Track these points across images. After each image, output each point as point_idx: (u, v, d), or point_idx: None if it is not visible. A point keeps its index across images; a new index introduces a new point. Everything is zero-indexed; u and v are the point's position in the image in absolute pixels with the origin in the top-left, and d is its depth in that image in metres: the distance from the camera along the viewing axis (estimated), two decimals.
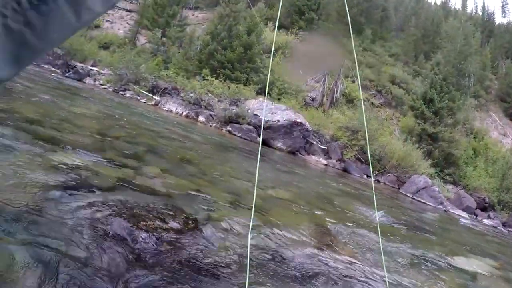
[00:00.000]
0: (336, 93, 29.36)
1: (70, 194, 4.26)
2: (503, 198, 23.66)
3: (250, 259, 4.17)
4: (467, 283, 6.22)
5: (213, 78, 23.19)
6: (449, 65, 32.01)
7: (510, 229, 19.84)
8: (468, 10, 72.03)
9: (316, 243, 5.48)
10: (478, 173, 27.41)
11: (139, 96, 21.71)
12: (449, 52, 36.89)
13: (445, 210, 18.56)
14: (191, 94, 21.75)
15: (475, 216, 20.81)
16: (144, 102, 21.05)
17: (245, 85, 24.06)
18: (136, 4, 40.54)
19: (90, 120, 10.08)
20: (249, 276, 3.73)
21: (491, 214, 22.41)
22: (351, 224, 7.36)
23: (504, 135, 38.52)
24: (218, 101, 21.42)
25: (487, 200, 23.87)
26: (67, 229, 3.46)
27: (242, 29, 25.87)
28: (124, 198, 4.66)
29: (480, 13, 70.94)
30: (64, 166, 5.12)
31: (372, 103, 33.41)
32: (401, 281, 5.13)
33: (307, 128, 20.42)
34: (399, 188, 20.88)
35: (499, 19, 71.86)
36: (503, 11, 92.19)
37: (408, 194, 19.51)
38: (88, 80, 23.85)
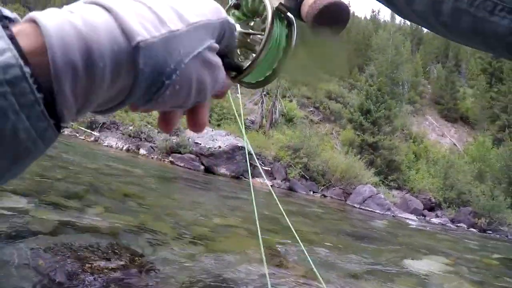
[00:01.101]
0: (275, 114, 29.74)
1: (10, 242, 4.09)
2: (448, 196, 24.44)
3: (192, 286, 4.15)
4: (421, 284, 6.31)
5: None
6: (382, 76, 32.99)
7: (458, 224, 20.48)
8: (397, 21, 74.27)
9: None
10: (421, 175, 28.32)
11: (77, 133, 21.12)
12: (381, 63, 38.21)
13: (393, 216, 18.87)
14: (130, 127, 21.39)
15: (423, 217, 21.33)
16: (83, 139, 20.46)
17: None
18: None
19: None
20: None
21: (439, 212, 23.07)
22: (299, 243, 7.31)
23: (442, 136, 39.95)
24: (158, 132, 21.11)
25: (433, 200, 24.57)
26: (9, 280, 3.34)
27: None
28: (68, 241, 4.49)
29: (409, 23, 73.45)
30: (4, 212, 4.96)
31: (311, 120, 33.98)
32: None
33: (249, 152, 20.32)
34: (345, 200, 21.14)
35: None
36: None
37: (355, 205, 19.78)
38: None
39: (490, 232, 19.99)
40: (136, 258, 4.56)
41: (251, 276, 4.81)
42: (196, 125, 0.56)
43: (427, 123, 41.56)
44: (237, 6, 1.04)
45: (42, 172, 8.57)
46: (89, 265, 3.99)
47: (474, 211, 21.78)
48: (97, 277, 3.77)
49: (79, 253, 4.23)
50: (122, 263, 4.31)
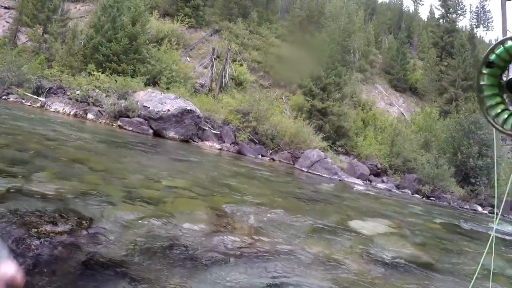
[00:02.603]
0: (224, 78, 29.49)
1: None
2: (394, 162, 25.11)
3: (141, 246, 4.17)
4: (365, 244, 6.39)
5: (99, 73, 22.26)
6: (333, 43, 33.06)
7: (403, 190, 21.18)
8: None
9: (212, 226, 5.47)
10: (368, 142, 29.06)
11: (23, 99, 20.25)
12: (333, 30, 38.18)
13: (340, 180, 19.32)
14: (78, 92, 20.72)
15: (369, 182, 21.92)
16: (30, 105, 19.67)
17: (132, 77, 23.41)
18: (15, 0, 37.99)
19: None
20: (143, 265, 3.74)
21: (384, 178, 23.74)
22: (246, 204, 7.40)
23: (390, 105, 40.74)
24: (106, 96, 20.60)
25: (379, 166, 25.26)
26: None
27: (127, 20, 25.04)
28: (13, 207, 4.37)
29: None
30: None
31: (261, 84, 33.99)
32: (301, 252, 5.20)
33: (198, 115, 20.29)
34: (294, 164, 21.49)
35: None
36: None
37: (303, 169, 20.12)
38: None
39: (433, 198, 20.74)
40: (84, 222, 4.51)
41: (197, 237, 4.84)
42: None
43: (376, 91, 42.17)
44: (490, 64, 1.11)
45: None
46: (36, 230, 3.94)
47: (419, 178, 22.45)
48: (44, 241, 3.73)
49: (25, 219, 4.15)
50: (69, 226, 4.26)
